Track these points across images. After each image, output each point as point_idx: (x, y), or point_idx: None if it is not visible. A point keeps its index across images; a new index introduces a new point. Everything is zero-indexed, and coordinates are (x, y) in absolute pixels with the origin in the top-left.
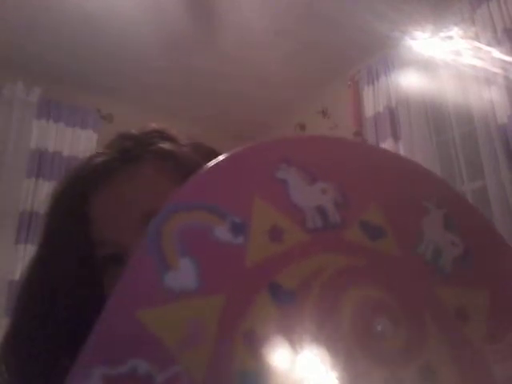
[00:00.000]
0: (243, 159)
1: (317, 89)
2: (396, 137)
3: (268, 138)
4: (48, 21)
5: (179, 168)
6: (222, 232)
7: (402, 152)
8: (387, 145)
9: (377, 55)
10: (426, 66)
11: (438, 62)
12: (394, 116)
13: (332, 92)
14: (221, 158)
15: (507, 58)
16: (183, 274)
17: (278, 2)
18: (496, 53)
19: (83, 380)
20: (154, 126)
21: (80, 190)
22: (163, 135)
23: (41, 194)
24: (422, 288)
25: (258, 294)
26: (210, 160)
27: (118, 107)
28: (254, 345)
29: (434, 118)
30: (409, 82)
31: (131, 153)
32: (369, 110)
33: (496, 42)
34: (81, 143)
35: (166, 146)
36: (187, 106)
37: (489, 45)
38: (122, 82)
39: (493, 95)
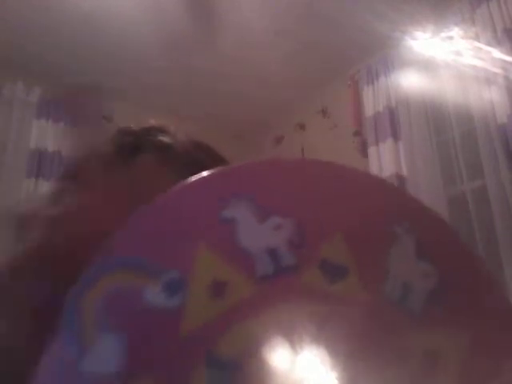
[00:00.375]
0: (182, 197)
1: (317, 89)
2: (396, 137)
3: (248, 156)
4: (48, 21)
5: (178, 161)
6: (154, 293)
7: (401, 152)
8: (387, 145)
9: (377, 55)
10: (426, 66)
11: (438, 62)
12: (393, 116)
13: (332, 92)
14: (156, 198)
15: (507, 58)
16: (103, 356)
17: (277, 2)
18: (496, 53)
19: None
20: (152, 122)
21: (78, 186)
22: (162, 130)
23: (41, 193)
24: (388, 340)
25: (193, 371)
26: (208, 156)
27: (117, 107)
28: None
29: (434, 118)
30: (409, 82)
31: (130, 147)
32: (369, 109)
33: (496, 42)
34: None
35: (165, 139)
36: (187, 106)
37: (489, 45)
38: (122, 82)
39: (493, 95)
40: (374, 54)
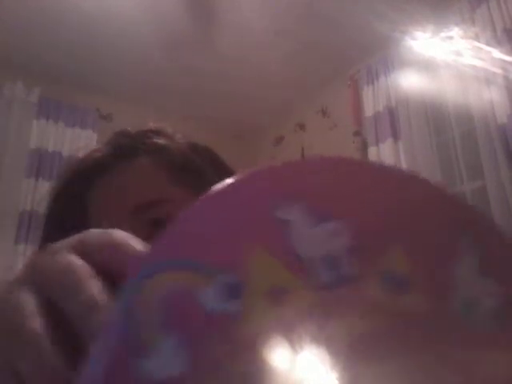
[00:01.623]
0: (233, 194)
1: (317, 89)
2: (396, 137)
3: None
4: (47, 21)
5: (174, 163)
6: (210, 297)
7: (401, 152)
8: (387, 145)
9: (377, 55)
10: (426, 66)
11: (438, 62)
12: (393, 116)
13: (332, 92)
14: (203, 196)
15: (507, 58)
16: (165, 359)
17: (277, 2)
18: (496, 53)
19: None
20: (150, 125)
21: (77, 187)
22: (159, 132)
23: (41, 193)
24: (454, 353)
25: None
26: (206, 158)
27: (117, 107)
28: None
29: (434, 118)
30: (409, 82)
31: (126, 148)
32: (369, 109)
33: (496, 41)
34: (80, 143)
35: (160, 141)
36: (187, 107)
37: (489, 45)
38: (122, 82)
39: (493, 95)
40: (373, 54)
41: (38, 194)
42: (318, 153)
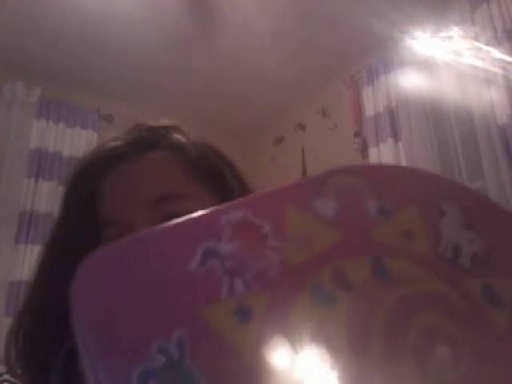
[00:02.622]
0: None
1: (317, 89)
2: (396, 137)
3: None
4: (48, 21)
5: (189, 159)
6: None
7: (402, 152)
8: (387, 145)
9: (377, 55)
10: (426, 66)
11: (438, 62)
12: (393, 116)
13: (332, 92)
14: (387, 168)
15: (507, 58)
16: None
17: (277, 2)
18: (496, 53)
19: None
20: (167, 121)
21: (94, 171)
22: (177, 129)
23: (41, 193)
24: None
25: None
26: (219, 158)
27: (117, 107)
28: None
29: (434, 118)
30: (409, 82)
31: (146, 140)
32: (369, 110)
33: (496, 41)
34: (81, 143)
35: (180, 138)
36: (187, 107)
37: (489, 45)
38: (122, 82)
39: (493, 95)
40: (373, 54)
41: (38, 194)
42: (318, 153)
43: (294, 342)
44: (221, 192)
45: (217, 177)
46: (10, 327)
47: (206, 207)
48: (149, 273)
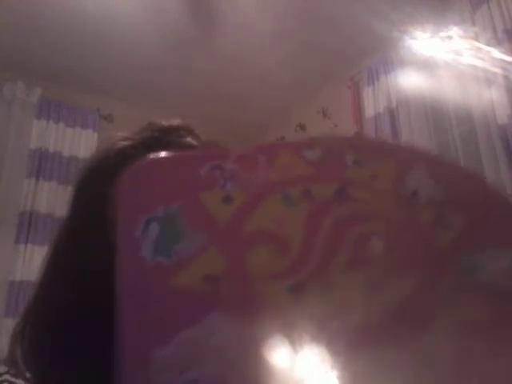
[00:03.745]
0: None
1: (317, 89)
2: (396, 137)
3: (270, 139)
4: (48, 21)
5: None
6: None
7: None
8: None
9: (377, 55)
10: (426, 65)
11: (438, 61)
12: (394, 116)
13: (332, 92)
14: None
15: (507, 58)
16: None
17: (277, 2)
18: (496, 53)
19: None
20: (180, 121)
21: (104, 172)
22: (190, 131)
23: (41, 194)
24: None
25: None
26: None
27: (118, 107)
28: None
29: (434, 118)
30: (409, 82)
31: (158, 141)
32: (369, 110)
33: (496, 42)
34: (81, 143)
35: (192, 141)
36: (187, 107)
37: (489, 45)
38: (122, 82)
39: (493, 95)
40: (373, 55)
41: (38, 194)
42: None
43: (260, 223)
44: None
45: None
46: (16, 326)
47: None
48: (173, 175)
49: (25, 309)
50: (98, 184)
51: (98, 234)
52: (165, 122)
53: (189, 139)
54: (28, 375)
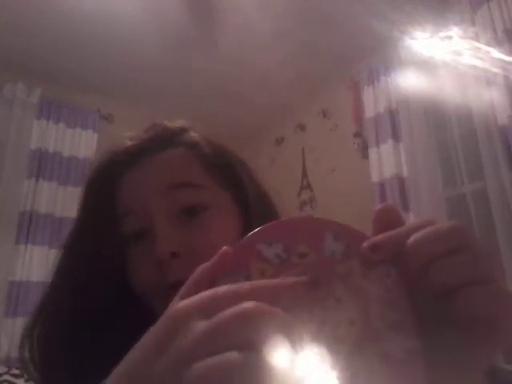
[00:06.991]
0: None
1: (317, 89)
2: (396, 138)
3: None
4: (48, 22)
5: (206, 156)
6: None
7: (402, 153)
8: (387, 146)
9: (377, 55)
10: (426, 66)
11: (438, 62)
12: (394, 117)
13: (332, 93)
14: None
15: (507, 58)
16: None
17: (277, 2)
18: (496, 53)
19: None
20: (183, 121)
21: (113, 169)
22: (193, 130)
23: (41, 194)
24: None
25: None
26: (232, 157)
27: (118, 107)
28: None
29: (434, 118)
30: (409, 82)
31: (163, 139)
32: (369, 110)
33: (496, 42)
34: (81, 143)
35: (196, 137)
36: (187, 107)
37: (489, 45)
38: (122, 83)
39: (493, 95)
40: (374, 55)
41: (39, 194)
42: (318, 154)
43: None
44: (234, 188)
45: (230, 174)
46: (25, 326)
47: (219, 201)
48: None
49: (34, 309)
50: (107, 182)
51: (109, 235)
52: (168, 123)
53: (193, 136)
54: (33, 374)
